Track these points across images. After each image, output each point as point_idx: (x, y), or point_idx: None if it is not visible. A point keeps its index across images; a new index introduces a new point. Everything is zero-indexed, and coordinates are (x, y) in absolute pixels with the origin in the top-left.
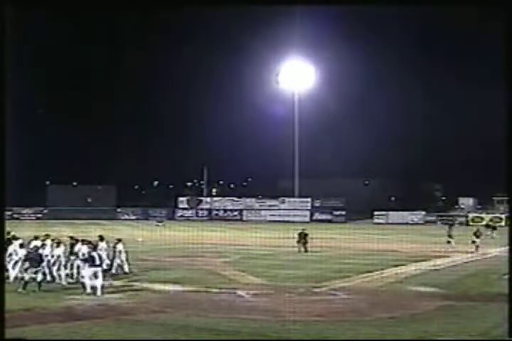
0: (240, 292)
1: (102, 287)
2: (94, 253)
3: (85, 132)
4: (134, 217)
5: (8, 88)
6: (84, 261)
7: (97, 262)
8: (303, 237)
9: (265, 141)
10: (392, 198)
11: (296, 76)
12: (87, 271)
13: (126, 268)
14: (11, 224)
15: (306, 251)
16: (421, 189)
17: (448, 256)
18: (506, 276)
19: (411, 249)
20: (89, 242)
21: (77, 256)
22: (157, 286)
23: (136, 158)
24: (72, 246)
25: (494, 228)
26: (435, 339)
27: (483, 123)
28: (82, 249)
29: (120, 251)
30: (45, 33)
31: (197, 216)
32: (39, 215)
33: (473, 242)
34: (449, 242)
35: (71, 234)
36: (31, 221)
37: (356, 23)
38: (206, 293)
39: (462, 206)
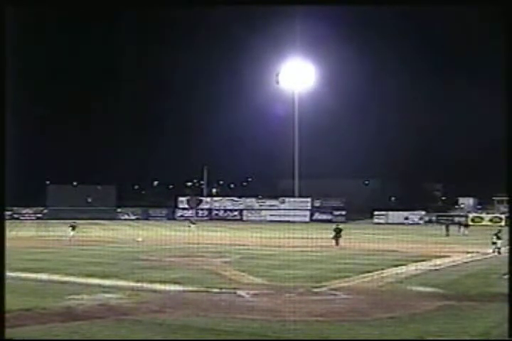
0: (240, 292)
1: None
2: None
3: (85, 132)
4: (134, 217)
5: (8, 88)
6: None
7: None
8: (338, 232)
9: (265, 141)
10: (392, 198)
11: (296, 76)
12: None
13: None
14: (11, 224)
15: (337, 244)
16: (421, 189)
17: (448, 256)
18: (506, 276)
19: (411, 249)
20: None
21: None
22: (157, 286)
23: (136, 158)
24: None
25: (466, 225)
26: (435, 339)
27: (483, 123)
28: None
29: None
30: (45, 32)
31: (197, 216)
32: (39, 215)
33: (494, 243)
34: (494, 243)
35: None
36: (31, 221)
37: (356, 22)
38: (206, 293)
39: (462, 206)
